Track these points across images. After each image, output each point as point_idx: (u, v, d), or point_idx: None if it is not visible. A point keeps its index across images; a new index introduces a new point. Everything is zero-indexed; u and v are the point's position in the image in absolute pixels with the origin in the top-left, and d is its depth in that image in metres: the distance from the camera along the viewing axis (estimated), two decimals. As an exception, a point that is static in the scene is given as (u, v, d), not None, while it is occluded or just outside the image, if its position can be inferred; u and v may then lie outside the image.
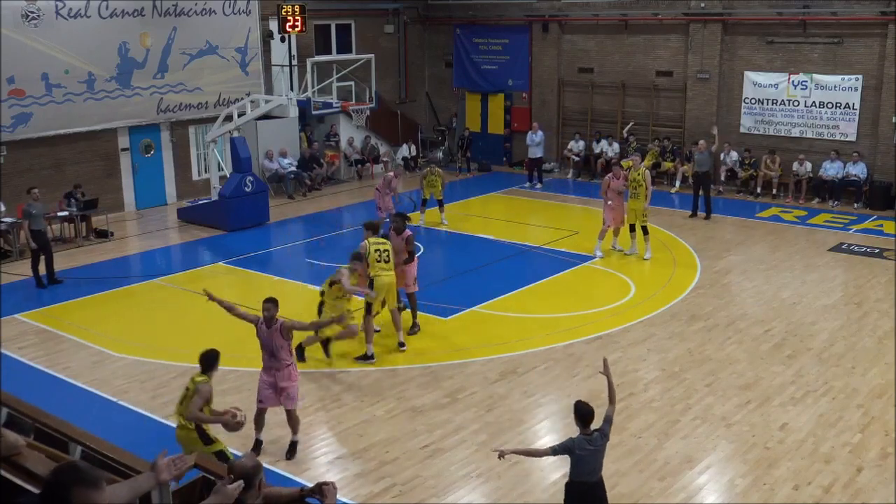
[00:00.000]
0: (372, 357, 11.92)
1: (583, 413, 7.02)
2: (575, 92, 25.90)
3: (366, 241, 12.02)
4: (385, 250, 11.98)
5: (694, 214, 19.94)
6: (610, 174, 16.85)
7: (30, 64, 18.85)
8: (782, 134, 22.34)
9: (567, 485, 7.16)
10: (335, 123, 25.18)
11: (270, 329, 9.36)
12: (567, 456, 7.06)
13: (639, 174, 16.45)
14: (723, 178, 22.08)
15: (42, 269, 15.39)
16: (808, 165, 21.48)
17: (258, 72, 23.41)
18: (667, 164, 23.48)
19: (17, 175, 18.69)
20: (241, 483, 4.34)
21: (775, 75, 22.19)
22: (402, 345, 12.28)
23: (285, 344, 9.35)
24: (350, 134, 25.35)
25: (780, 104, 22.23)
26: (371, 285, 11.82)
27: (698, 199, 19.94)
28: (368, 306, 11.97)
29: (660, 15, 23.68)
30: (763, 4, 22.16)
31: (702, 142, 20.44)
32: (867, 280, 15.36)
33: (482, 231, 19.05)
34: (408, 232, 12.75)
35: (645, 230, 16.61)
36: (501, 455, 7.11)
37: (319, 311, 11.66)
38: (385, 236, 12.54)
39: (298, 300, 14.28)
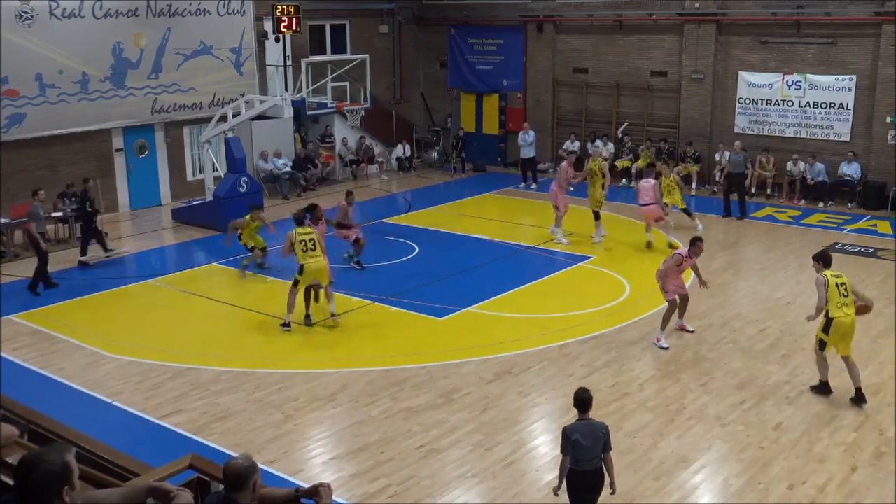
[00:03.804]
0: (288, 326, 13.08)
1: (580, 399, 7.31)
2: (570, 92, 25.92)
3: (292, 232, 13.15)
4: (310, 238, 13.06)
5: (728, 214, 20.06)
6: (566, 163, 18.33)
7: (24, 64, 18.79)
8: (776, 134, 22.38)
9: (569, 473, 7.20)
10: (330, 124, 25.18)
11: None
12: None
13: (597, 164, 18.09)
14: (718, 178, 22.11)
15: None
16: (802, 165, 21.53)
17: (253, 72, 23.37)
18: (661, 166, 23.44)
19: (10, 176, 18.63)
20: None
21: (769, 75, 22.23)
22: (333, 315, 13.31)
23: None
24: (345, 134, 25.35)
25: (775, 104, 22.27)
26: (301, 271, 12.96)
27: (729, 201, 20.13)
28: (295, 280, 13.11)
29: (654, 15, 23.71)
30: (757, 5, 22.20)
31: (737, 143, 20.66)
32: (861, 280, 15.34)
33: (477, 231, 19.05)
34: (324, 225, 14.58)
35: (597, 215, 18.01)
36: (556, 491, 7.35)
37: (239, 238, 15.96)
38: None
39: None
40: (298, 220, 13.42)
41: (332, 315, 13.32)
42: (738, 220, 19.78)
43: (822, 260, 10.57)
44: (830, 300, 10.23)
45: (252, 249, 16.09)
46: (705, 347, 12.30)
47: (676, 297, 12.48)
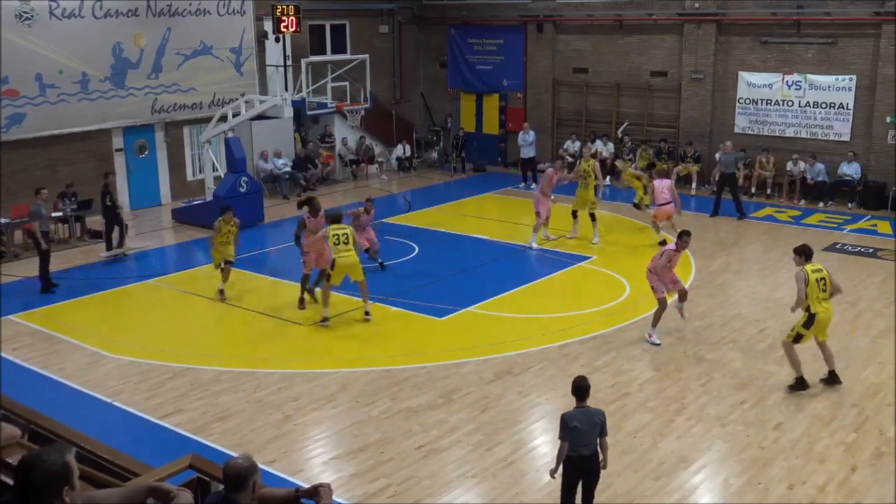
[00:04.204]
0: (327, 320, 13.22)
1: (578, 387, 7.55)
2: (570, 92, 25.91)
3: (326, 228, 13.33)
4: (344, 234, 13.16)
5: (715, 214, 20.08)
6: (552, 169, 17.87)
7: (24, 64, 18.78)
8: (776, 134, 22.39)
9: (567, 458, 7.42)
10: (329, 124, 25.18)
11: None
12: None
13: (589, 165, 17.98)
14: (717, 178, 22.09)
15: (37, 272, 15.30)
16: (802, 165, 21.52)
17: (253, 72, 23.37)
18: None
19: (10, 176, 18.63)
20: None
21: (769, 75, 22.24)
22: (367, 314, 13.42)
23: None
24: (344, 134, 25.35)
25: (775, 104, 22.28)
26: (333, 265, 13.09)
27: (720, 200, 20.15)
28: (327, 275, 13.28)
29: (654, 15, 23.71)
30: (757, 5, 22.20)
31: (728, 143, 20.70)
32: (861, 280, 15.39)
33: (477, 231, 19.05)
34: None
35: (593, 217, 17.81)
36: (553, 474, 7.62)
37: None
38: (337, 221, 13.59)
39: (293, 299, 14.28)
40: (335, 219, 13.43)
41: (367, 314, 13.40)
42: (738, 220, 19.78)
43: (804, 254, 10.65)
44: (810, 295, 10.41)
45: (219, 266, 14.62)
46: (705, 347, 12.30)
47: (665, 295, 12.47)
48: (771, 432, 9.75)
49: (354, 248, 13.32)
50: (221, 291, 14.56)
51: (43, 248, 15.08)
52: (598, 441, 7.44)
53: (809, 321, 10.52)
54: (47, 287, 15.03)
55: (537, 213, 17.48)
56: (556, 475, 7.56)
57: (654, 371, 11.51)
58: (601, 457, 7.53)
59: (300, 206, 14.52)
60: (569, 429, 7.32)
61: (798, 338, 10.65)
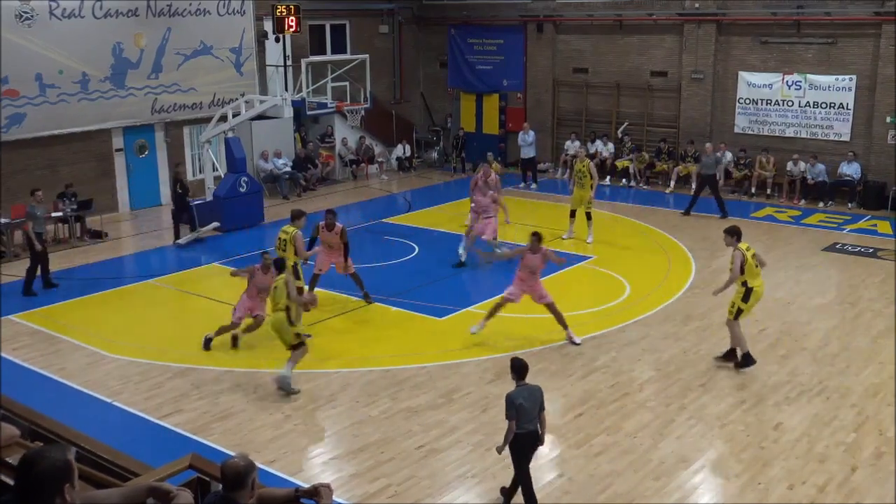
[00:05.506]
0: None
1: (519, 366, 7.96)
2: (570, 92, 25.90)
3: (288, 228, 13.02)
4: (283, 240, 12.82)
5: (687, 213, 20.12)
6: (480, 175, 17.12)
7: (24, 64, 18.77)
8: (776, 134, 22.38)
9: (515, 436, 7.80)
10: (330, 124, 25.17)
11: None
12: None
13: (584, 165, 17.77)
14: (718, 178, 22.10)
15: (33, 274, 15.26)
16: (802, 165, 21.52)
17: (253, 72, 23.35)
18: (661, 166, 23.54)
19: (10, 176, 18.62)
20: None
21: (769, 75, 22.23)
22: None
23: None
24: (345, 134, 25.35)
25: (775, 104, 22.27)
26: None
27: (696, 200, 20.22)
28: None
29: (654, 15, 23.70)
30: (757, 5, 22.20)
31: (708, 144, 20.76)
32: (861, 280, 15.40)
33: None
34: (339, 226, 13.62)
35: (589, 216, 17.76)
36: (500, 451, 7.98)
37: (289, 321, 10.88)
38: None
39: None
40: (292, 217, 13.21)
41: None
42: (720, 218, 19.72)
43: (736, 234, 11.21)
44: (748, 272, 11.03)
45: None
46: (705, 347, 12.29)
47: (513, 298, 12.40)
48: (771, 432, 9.75)
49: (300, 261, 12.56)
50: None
51: (37, 249, 15.07)
52: (537, 418, 7.85)
53: (747, 295, 11.05)
54: (29, 289, 14.93)
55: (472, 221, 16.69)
56: (501, 453, 7.94)
57: (654, 371, 11.51)
58: (540, 432, 7.95)
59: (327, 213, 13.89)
60: (515, 407, 7.68)
61: (739, 313, 11.15)
